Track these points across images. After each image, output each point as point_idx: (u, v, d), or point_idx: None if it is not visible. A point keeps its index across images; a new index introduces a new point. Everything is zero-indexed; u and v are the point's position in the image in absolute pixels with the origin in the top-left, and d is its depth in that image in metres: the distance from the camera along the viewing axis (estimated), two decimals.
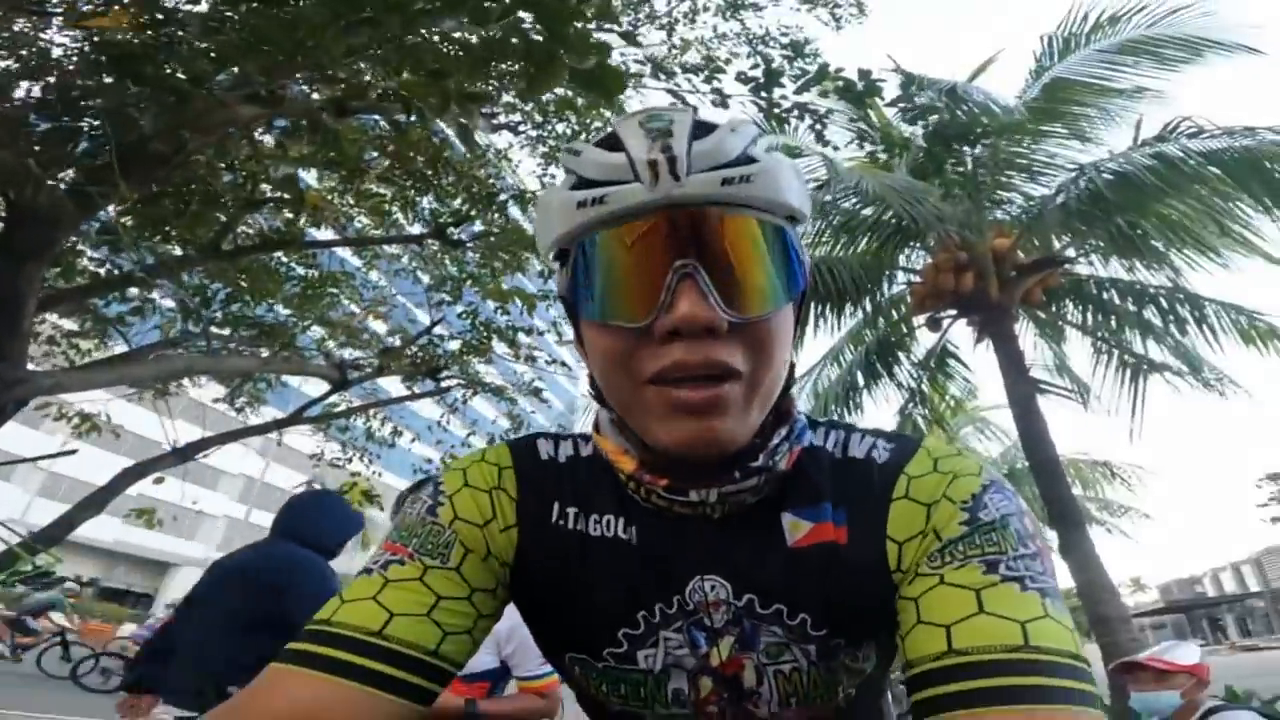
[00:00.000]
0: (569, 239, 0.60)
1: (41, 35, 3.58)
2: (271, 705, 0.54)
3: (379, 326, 8.26)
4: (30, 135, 3.37)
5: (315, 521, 2.63)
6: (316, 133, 2.93)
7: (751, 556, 0.65)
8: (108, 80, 3.12)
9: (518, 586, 0.70)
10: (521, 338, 7.55)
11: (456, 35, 3.09)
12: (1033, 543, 0.58)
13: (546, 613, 0.71)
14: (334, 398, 7.70)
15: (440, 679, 0.60)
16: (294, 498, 2.78)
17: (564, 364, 8.31)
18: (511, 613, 0.71)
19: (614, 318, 0.58)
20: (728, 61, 5.13)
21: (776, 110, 4.40)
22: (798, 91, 4.35)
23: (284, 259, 6.87)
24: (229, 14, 2.79)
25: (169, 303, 6.68)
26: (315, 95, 3.72)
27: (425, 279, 7.80)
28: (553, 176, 6.81)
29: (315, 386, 7.96)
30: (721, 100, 4.53)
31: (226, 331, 6.66)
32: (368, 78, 3.68)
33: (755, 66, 4.43)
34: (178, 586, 35.99)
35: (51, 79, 3.42)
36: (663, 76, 4.35)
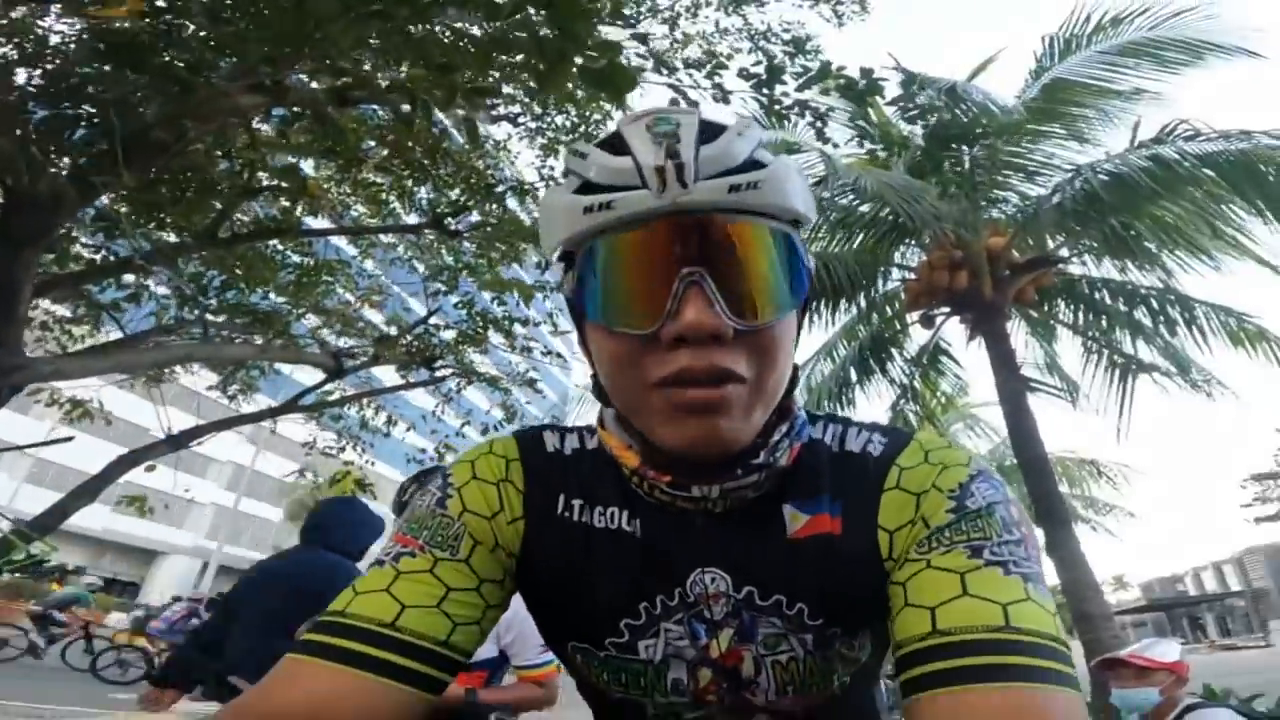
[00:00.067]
0: (574, 242, 0.60)
1: (40, 22, 3.55)
2: (289, 695, 0.56)
3: (374, 316, 8.23)
4: (28, 123, 3.35)
5: (344, 528, 2.73)
6: (321, 123, 2.92)
7: (752, 550, 0.66)
8: (108, 69, 3.10)
9: (523, 577, 0.71)
10: (517, 329, 7.54)
11: (462, 28, 3.09)
12: (1017, 529, 0.59)
13: (551, 603, 0.72)
14: (328, 386, 7.68)
15: (451, 669, 0.61)
16: (321, 504, 2.90)
17: (559, 355, 8.31)
18: (510, 601, 0.73)
19: (620, 324, 0.58)
20: (730, 57, 5.12)
21: (777, 107, 4.41)
22: (799, 89, 4.35)
23: (279, 247, 6.83)
24: (235, 3, 2.78)
25: (163, 289, 6.64)
26: (314, 85, 3.70)
27: (421, 268, 7.78)
28: (551, 168, 6.80)
29: (307, 375, 7.93)
30: (723, 96, 4.53)
31: (221, 319, 6.63)
32: (367, 67, 3.67)
33: (758, 63, 4.43)
34: (165, 575, 35.84)
35: (50, 66, 3.39)
36: (665, 71, 4.34)
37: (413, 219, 7.11)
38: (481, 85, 2.56)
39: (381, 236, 7.72)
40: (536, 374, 8.70)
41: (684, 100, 4.32)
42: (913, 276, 7.67)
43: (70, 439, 4.90)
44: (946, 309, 7.54)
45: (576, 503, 0.71)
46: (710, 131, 0.59)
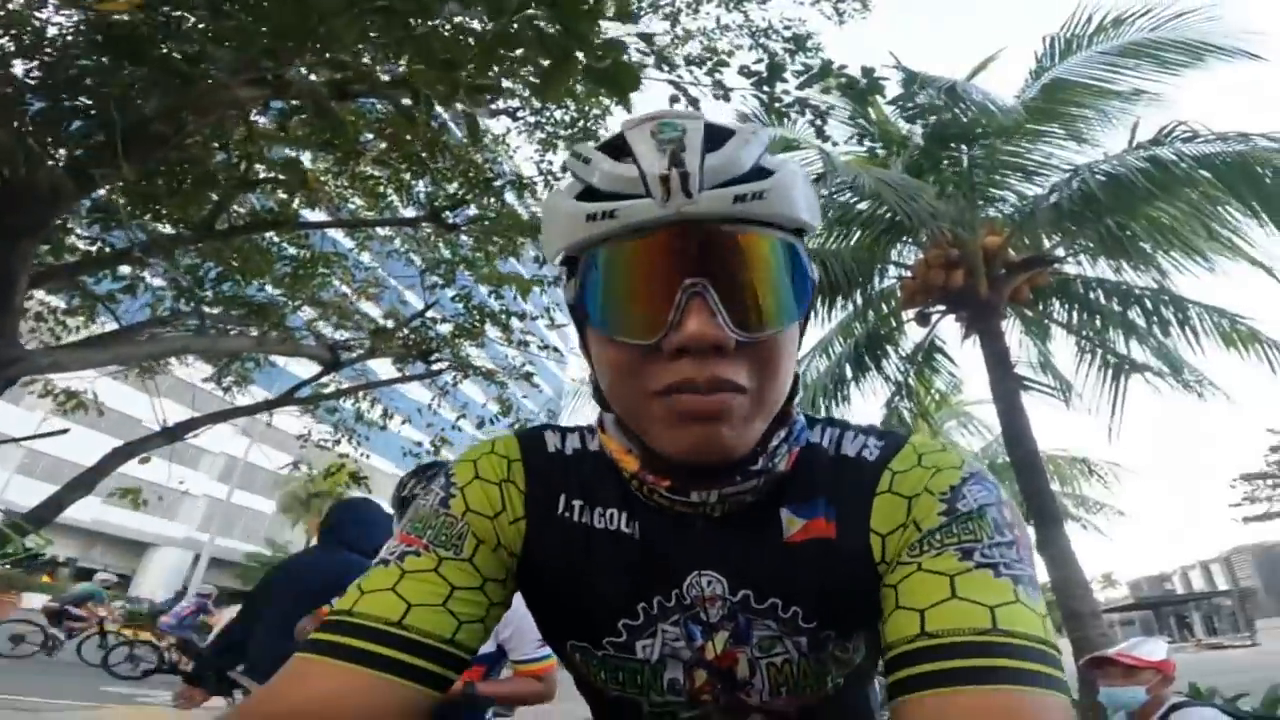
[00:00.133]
0: (577, 249, 0.60)
1: (37, 14, 3.52)
2: (299, 694, 0.56)
3: (370, 308, 8.22)
4: (25, 114, 3.32)
5: (359, 526, 2.80)
6: (323, 116, 2.91)
7: (749, 553, 0.66)
8: (107, 61, 3.08)
9: (524, 576, 0.71)
10: (514, 323, 7.54)
11: (464, 23, 3.08)
12: (1010, 531, 0.59)
13: (551, 602, 0.73)
14: (324, 379, 7.67)
15: (456, 666, 0.62)
16: (336, 505, 2.97)
17: (555, 349, 8.32)
18: (512, 600, 0.74)
19: (622, 333, 0.58)
20: (730, 54, 5.11)
21: (778, 105, 4.41)
22: (800, 87, 4.36)
23: (275, 239, 6.81)
24: None
25: (159, 281, 6.61)
26: (313, 78, 3.69)
27: (418, 261, 7.76)
28: (550, 163, 6.79)
29: (302, 367, 7.92)
30: (724, 94, 4.53)
31: (217, 311, 6.61)
32: (366, 60, 3.65)
33: (759, 61, 4.43)
34: (156, 568, 35.69)
35: (47, 58, 3.36)
36: (666, 68, 4.33)
37: (410, 212, 7.10)
38: (483, 82, 2.56)
39: (379, 230, 7.70)
40: (533, 368, 8.70)
41: (684, 97, 4.32)
42: (909, 274, 7.70)
43: (65, 431, 4.88)
44: (942, 307, 7.58)
45: (577, 503, 0.71)
46: (716, 138, 0.59)
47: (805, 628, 0.66)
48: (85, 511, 29.15)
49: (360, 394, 8.35)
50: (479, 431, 8.49)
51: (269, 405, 7.40)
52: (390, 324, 7.66)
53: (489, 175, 6.62)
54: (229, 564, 35.28)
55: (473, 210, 6.91)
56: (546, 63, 2.20)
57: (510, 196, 6.92)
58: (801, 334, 0.66)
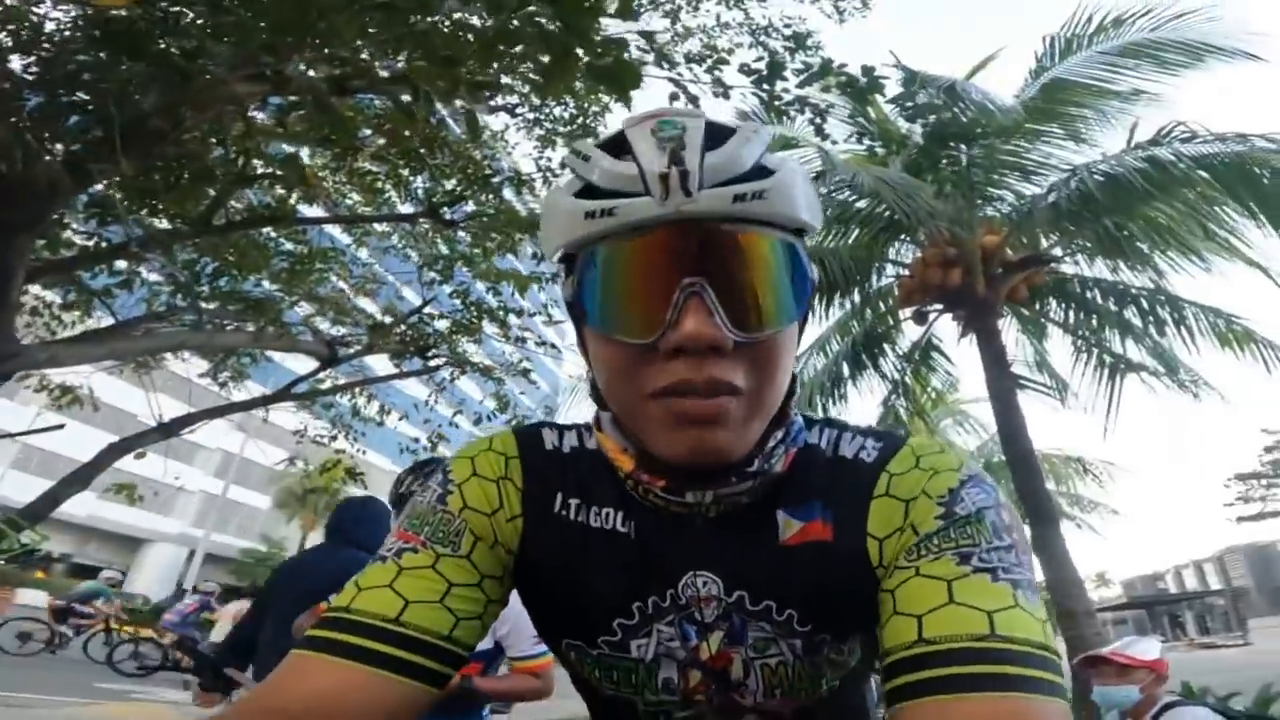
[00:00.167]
0: (575, 246, 0.60)
1: (35, 9, 3.50)
2: (297, 691, 0.56)
3: (368, 304, 8.20)
4: (22, 109, 3.31)
5: (363, 525, 2.82)
6: (323, 112, 2.90)
7: (744, 554, 0.66)
8: (105, 56, 3.07)
9: (521, 573, 0.71)
10: (512, 319, 7.53)
11: (463, 19, 3.07)
12: (1008, 535, 0.59)
13: (546, 600, 0.73)
14: (321, 375, 7.66)
15: (454, 663, 0.62)
16: (342, 504, 3.00)
17: (553, 346, 8.32)
18: (509, 597, 0.74)
19: (619, 332, 0.58)
20: (731, 52, 5.11)
21: (777, 103, 4.41)
22: (800, 85, 4.36)
23: (273, 234, 6.79)
24: None
25: (155, 276, 6.60)
26: (311, 73, 3.68)
27: (415, 257, 7.75)
28: (549, 159, 6.78)
29: (299, 363, 7.90)
30: (723, 91, 4.53)
31: (214, 306, 6.59)
32: (364, 56, 3.64)
33: (760, 59, 4.42)
34: (151, 563, 35.58)
35: (45, 53, 3.35)
36: (665, 66, 4.32)
37: (408, 208, 7.09)
38: (484, 79, 2.55)
39: (376, 225, 7.68)
40: (530, 364, 8.70)
41: (684, 95, 4.32)
42: (906, 273, 7.71)
43: (61, 427, 4.87)
44: (939, 306, 7.60)
45: (574, 502, 0.71)
46: (716, 136, 0.58)
47: (800, 630, 0.66)
48: (80, 507, 29.03)
49: (357, 390, 8.33)
50: (476, 428, 8.50)
51: (266, 401, 7.39)
52: (388, 320, 7.64)
53: (487, 172, 6.61)
54: (224, 560, 35.22)
55: (470, 207, 6.90)
56: (548, 59, 2.19)
57: (509, 193, 6.91)
58: (800, 334, 0.66)
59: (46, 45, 3.46)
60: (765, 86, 4.35)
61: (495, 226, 6.74)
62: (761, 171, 0.58)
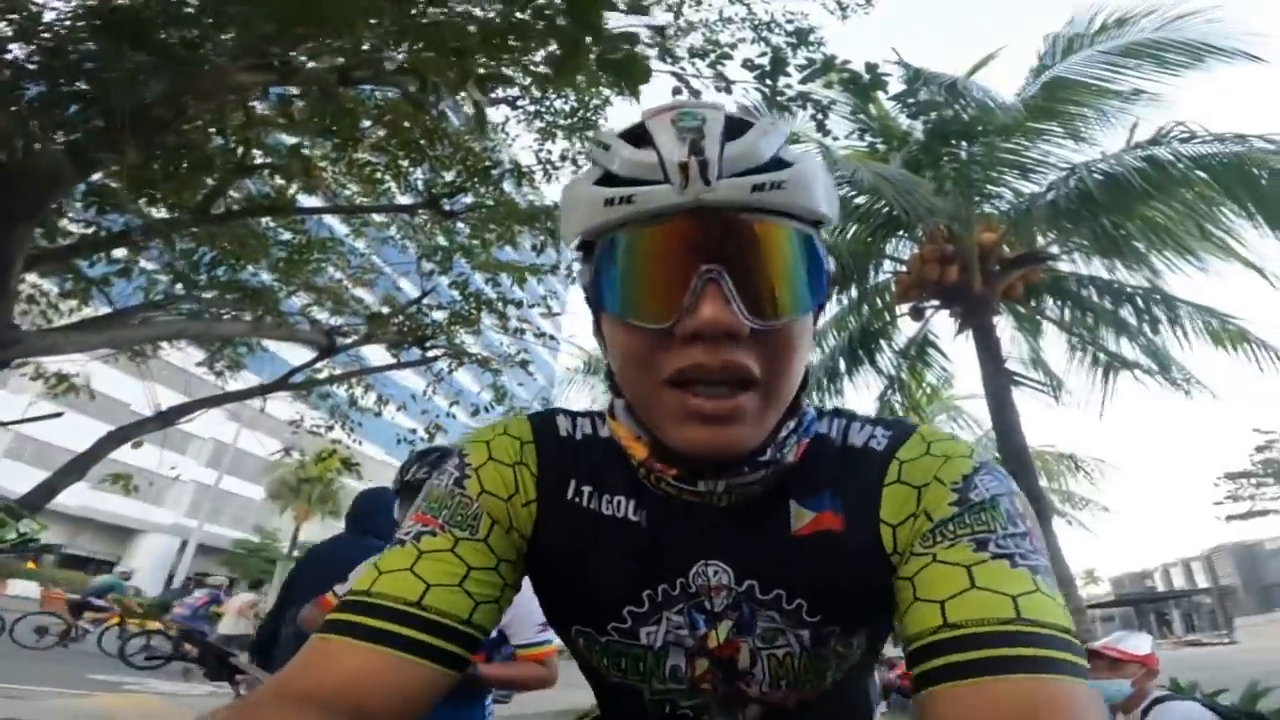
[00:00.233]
0: (594, 233, 0.60)
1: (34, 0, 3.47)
2: (321, 675, 0.56)
3: (365, 295, 8.18)
4: (22, 99, 3.29)
5: (382, 514, 2.84)
6: (329, 101, 2.90)
7: (755, 544, 0.66)
8: (107, 45, 3.05)
9: (533, 559, 0.71)
10: (510, 310, 7.53)
11: (468, 11, 3.06)
12: (1023, 522, 0.59)
13: (557, 586, 0.73)
14: (318, 365, 7.65)
15: (472, 647, 0.62)
16: (361, 495, 3.02)
17: (551, 337, 8.32)
18: (522, 582, 0.75)
19: (636, 317, 0.58)
20: (734, 46, 5.11)
21: (780, 99, 4.42)
22: (803, 81, 4.36)
23: (271, 224, 6.77)
24: None
25: (152, 265, 6.56)
26: (312, 65, 3.66)
27: (412, 249, 7.73)
28: (549, 152, 6.78)
29: (295, 353, 7.89)
30: (725, 86, 4.53)
31: (212, 295, 6.57)
32: (365, 47, 3.63)
33: (763, 55, 4.42)
34: (143, 554, 35.37)
35: (45, 42, 3.32)
36: (669, 60, 4.32)
37: (406, 200, 7.07)
38: (494, 71, 2.55)
39: (374, 216, 7.66)
40: (527, 355, 8.70)
41: (686, 89, 4.32)
42: (904, 269, 7.74)
43: (59, 415, 4.85)
44: (936, 302, 7.63)
45: (586, 489, 0.71)
46: (736, 128, 0.58)
47: (809, 621, 0.66)
48: (72, 497, 28.81)
49: (354, 380, 8.32)
50: (472, 420, 8.50)
51: (263, 390, 7.38)
52: (386, 310, 7.63)
53: (488, 164, 6.59)
54: (217, 550, 35.10)
55: (470, 199, 6.88)
56: (558, 51, 2.19)
57: (508, 185, 6.89)
58: (815, 325, 0.67)
59: (46, 34, 3.44)
60: (768, 82, 4.35)
61: (494, 218, 6.73)
62: (780, 163, 0.58)
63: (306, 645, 0.59)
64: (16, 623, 12.14)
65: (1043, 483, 12.23)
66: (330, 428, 8.49)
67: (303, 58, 3.54)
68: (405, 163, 6.41)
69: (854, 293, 8.36)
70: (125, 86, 2.83)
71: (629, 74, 2.12)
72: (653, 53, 4.19)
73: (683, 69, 4.38)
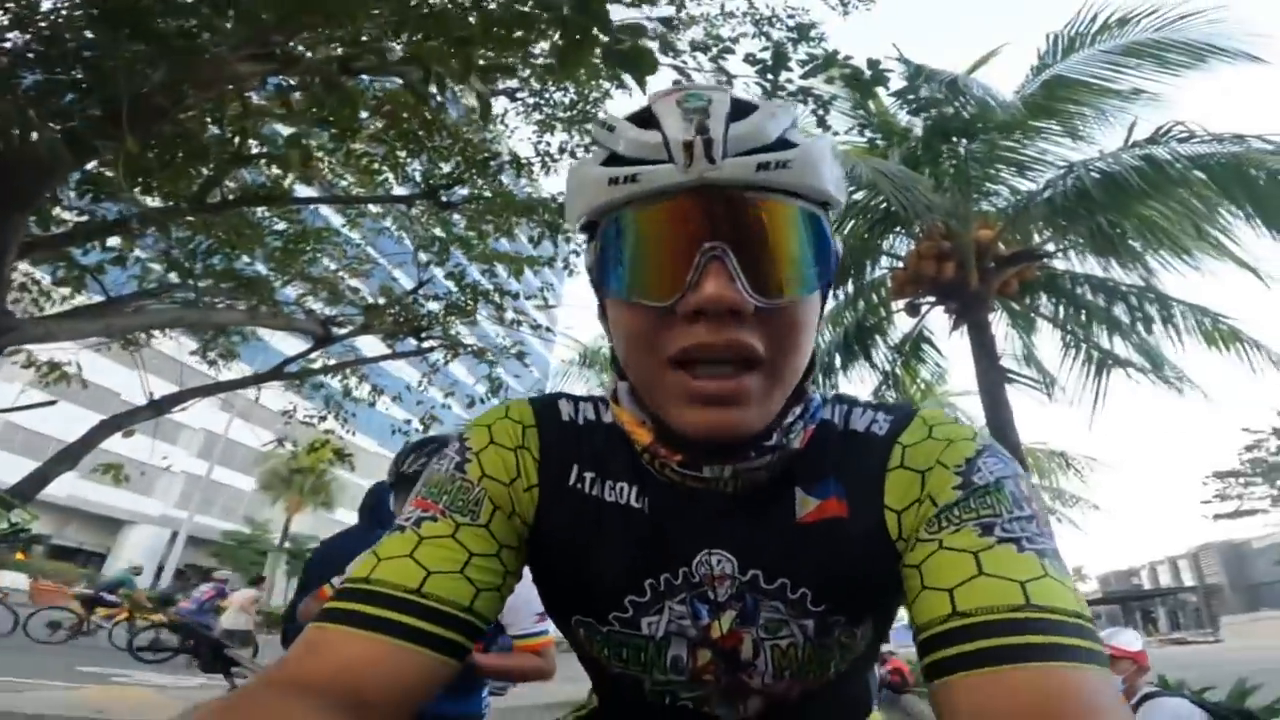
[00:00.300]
0: (598, 213, 0.60)
1: None
2: (317, 663, 0.55)
3: (360, 286, 8.16)
4: (19, 86, 3.26)
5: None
6: (332, 91, 2.88)
7: (759, 532, 0.65)
8: (104, 35, 3.03)
9: (534, 546, 0.70)
10: (507, 301, 7.53)
11: (482, 4, 3.05)
12: (1028, 505, 0.58)
13: (558, 574, 0.71)
14: (312, 355, 7.63)
15: (473, 635, 0.61)
16: (376, 486, 2.97)
17: (547, 329, 8.32)
18: (523, 570, 0.73)
19: (640, 296, 0.58)
20: (735, 41, 5.11)
21: (780, 94, 4.42)
22: (804, 77, 4.36)
23: (266, 214, 6.73)
24: None
25: (146, 253, 6.53)
26: (310, 55, 3.64)
27: (408, 240, 7.71)
28: (548, 144, 6.76)
29: (288, 344, 7.88)
30: (726, 80, 4.53)
31: (207, 284, 6.54)
32: (365, 38, 3.61)
33: (765, 49, 4.43)
34: (131, 545, 35.15)
35: (42, 30, 3.29)
36: (671, 54, 4.32)
37: (404, 191, 7.05)
38: (500, 63, 2.54)
39: (370, 207, 7.63)
40: (523, 347, 8.70)
41: (687, 82, 4.32)
42: (900, 265, 7.75)
43: (53, 403, 4.81)
44: (931, 298, 7.63)
45: (588, 475, 0.70)
46: (741, 110, 0.58)
47: (813, 611, 0.65)
48: (60, 487, 28.58)
49: (349, 370, 8.30)
50: (467, 411, 8.50)
51: (257, 379, 7.35)
52: (381, 301, 7.61)
53: (486, 155, 6.57)
54: (206, 542, 34.95)
55: (466, 190, 6.86)
56: (563, 43, 2.18)
57: (506, 177, 6.87)
58: (822, 309, 0.66)
59: (44, 23, 3.40)
60: (769, 77, 4.35)
61: (492, 210, 6.71)
62: (786, 144, 0.58)
63: (303, 634, 0.58)
64: (30, 618, 12.23)
65: (1034, 480, 12.29)
66: (323, 418, 8.47)
67: (302, 48, 3.51)
68: (403, 154, 6.39)
69: (850, 288, 8.36)
70: (124, 75, 2.80)
71: (636, 66, 2.11)
72: (654, 45, 4.18)
73: (684, 63, 4.38)
